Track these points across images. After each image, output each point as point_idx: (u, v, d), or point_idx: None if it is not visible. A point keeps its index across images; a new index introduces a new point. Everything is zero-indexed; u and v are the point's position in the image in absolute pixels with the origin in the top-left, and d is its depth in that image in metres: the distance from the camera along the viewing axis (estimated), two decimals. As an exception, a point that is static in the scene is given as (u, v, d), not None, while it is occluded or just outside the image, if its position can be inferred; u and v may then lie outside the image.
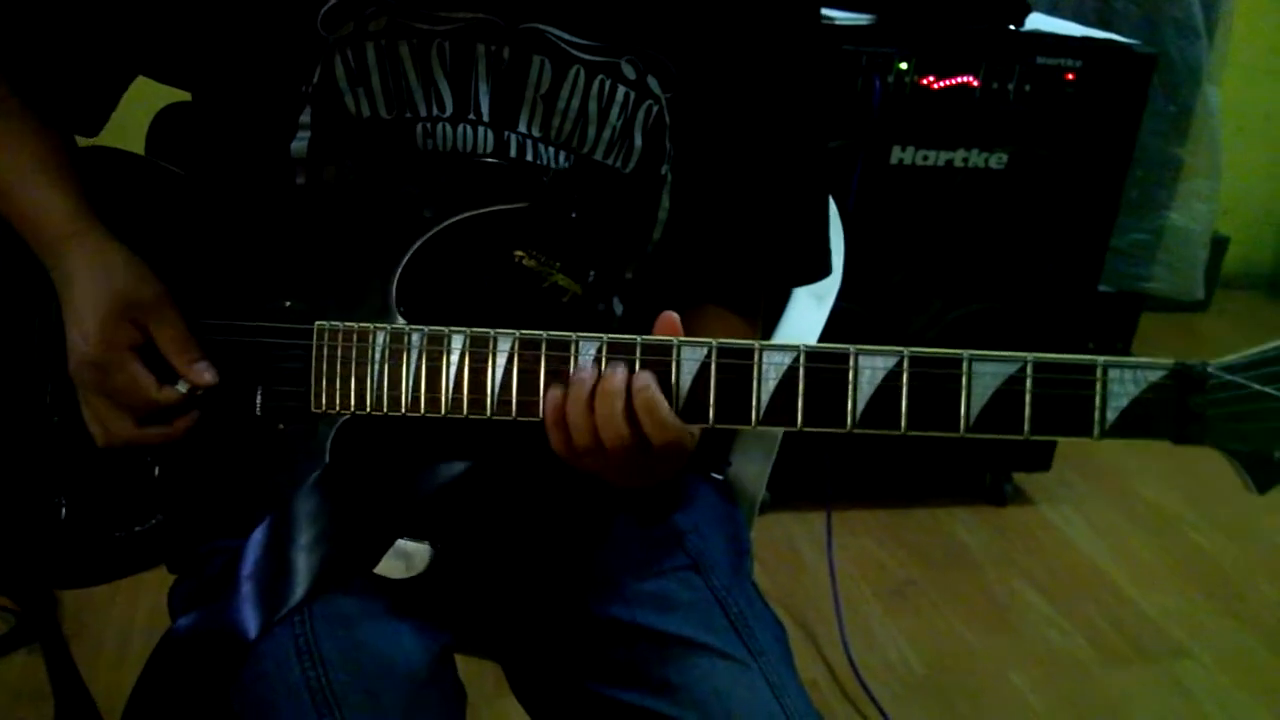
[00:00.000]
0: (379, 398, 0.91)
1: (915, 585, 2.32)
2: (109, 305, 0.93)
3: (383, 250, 0.93)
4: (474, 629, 1.03)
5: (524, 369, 0.87)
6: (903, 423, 0.83)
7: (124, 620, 1.96)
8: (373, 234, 0.95)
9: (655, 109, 1.00)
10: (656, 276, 1.07)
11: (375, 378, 0.91)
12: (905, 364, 0.83)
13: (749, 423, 0.85)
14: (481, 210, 0.92)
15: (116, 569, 1.01)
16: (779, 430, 1.21)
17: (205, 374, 0.94)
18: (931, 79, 2.13)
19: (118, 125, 1.11)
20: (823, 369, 0.84)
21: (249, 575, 0.90)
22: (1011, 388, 0.82)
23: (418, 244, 0.92)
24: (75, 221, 0.97)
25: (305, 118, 0.97)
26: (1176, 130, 3.00)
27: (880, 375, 0.83)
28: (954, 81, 2.14)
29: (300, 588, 0.89)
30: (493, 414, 0.88)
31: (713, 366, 0.85)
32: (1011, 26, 2.19)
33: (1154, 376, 0.81)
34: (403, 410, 0.90)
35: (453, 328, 0.89)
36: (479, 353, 0.88)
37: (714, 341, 0.85)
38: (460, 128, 0.97)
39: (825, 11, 2.10)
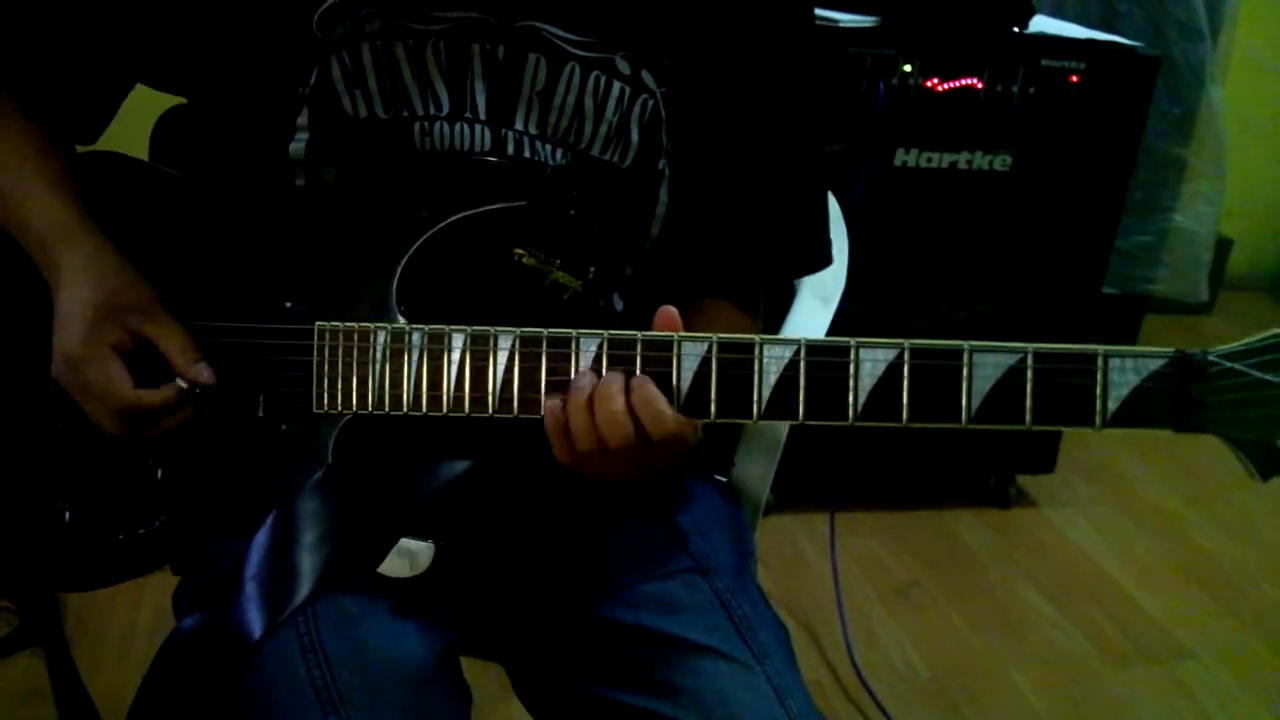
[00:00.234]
0: (380, 397, 0.91)
1: (919, 587, 2.32)
2: (95, 306, 0.93)
3: (382, 250, 0.93)
4: (478, 631, 1.03)
5: (525, 367, 0.87)
6: (904, 415, 0.83)
7: (126, 621, 1.96)
8: (372, 234, 0.96)
9: (651, 104, 1.01)
10: (656, 272, 1.07)
11: (376, 377, 0.91)
12: (906, 356, 0.83)
13: (751, 417, 0.85)
14: (480, 209, 0.93)
15: (121, 572, 1.01)
16: (783, 432, 1.21)
17: (204, 373, 0.94)
18: (936, 81, 2.14)
19: (120, 129, 1.11)
20: (824, 362, 0.84)
21: (253, 576, 0.90)
22: (1012, 379, 0.82)
23: (417, 243, 0.92)
24: (69, 226, 0.98)
25: (303, 120, 0.97)
26: (1180, 132, 3.00)
27: (881, 368, 0.83)
28: (958, 84, 2.14)
29: (304, 587, 0.90)
30: (494, 412, 0.88)
31: (713, 361, 0.85)
32: (1015, 29, 2.19)
33: (1155, 365, 0.81)
34: (404, 409, 0.90)
35: (453, 326, 0.89)
36: (480, 351, 0.88)
37: (714, 336, 0.85)
38: (457, 126, 0.98)
39: (829, 14, 2.10)
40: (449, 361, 0.89)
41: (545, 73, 0.98)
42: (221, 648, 0.89)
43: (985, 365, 0.82)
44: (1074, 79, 2.18)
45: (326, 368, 0.92)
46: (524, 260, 0.94)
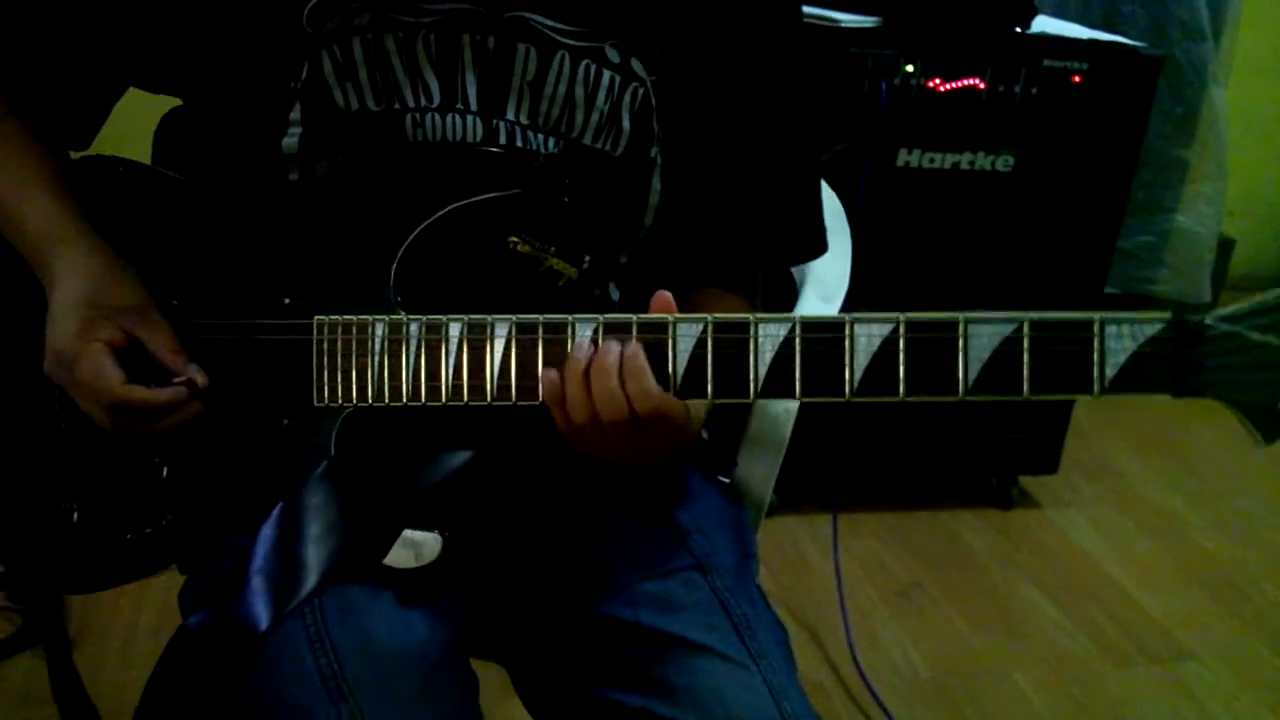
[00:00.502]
0: (380, 389, 0.91)
1: (921, 588, 2.32)
2: (88, 304, 0.94)
3: (378, 242, 0.93)
4: (479, 630, 1.03)
5: (522, 353, 0.88)
6: (901, 388, 0.83)
7: (130, 621, 1.96)
8: (367, 227, 0.96)
9: (641, 92, 1.01)
10: (651, 261, 1.07)
11: (376, 369, 0.91)
12: (901, 329, 0.82)
13: (748, 395, 0.85)
14: (474, 199, 0.93)
15: (129, 572, 1.01)
16: (786, 433, 1.21)
17: (196, 376, 0.94)
18: (938, 82, 2.14)
19: (122, 132, 1.12)
20: (819, 338, 0.83)
21: (259, 569, 0.91)
22: (1009, 348, 0.81)
23: (412, 235, 0.92)
24: (64, 227, 0.98)
25: (295, 114, 0.97)
26: (1183, 132, 3.01)
27: (877, 342, 0.82)
28: (960, 84, 2.14)
29: (310, 580, 0.90)
30: (493, 399, 0.89)
31: (709, 341, 0.85)
32: (1018, 29, 2.19)
33: (1152, 330, 0.80)
34: (404, 400, 0.91)
35: (450, 316, 0.89)
36: (477, 339, 0.88)
37: (709, 316, 0.85)
38: (449, 117, 0.98)
39: (831, 14, 2.10)
40: (447, 351, 0.89)
41: (535, 62, 0.98)
42: (229, 641, 0.89)
43: (981, 336, 0.81)
44: (1076, 79, 2.18)
45: (326, 361, 0.93)
46: (518, 248, 0.95)
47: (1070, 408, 2.54)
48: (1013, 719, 1.98)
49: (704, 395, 0.85)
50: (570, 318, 0.87)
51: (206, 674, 0.91)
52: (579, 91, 0.99)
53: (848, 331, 0.83)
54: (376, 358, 0.91)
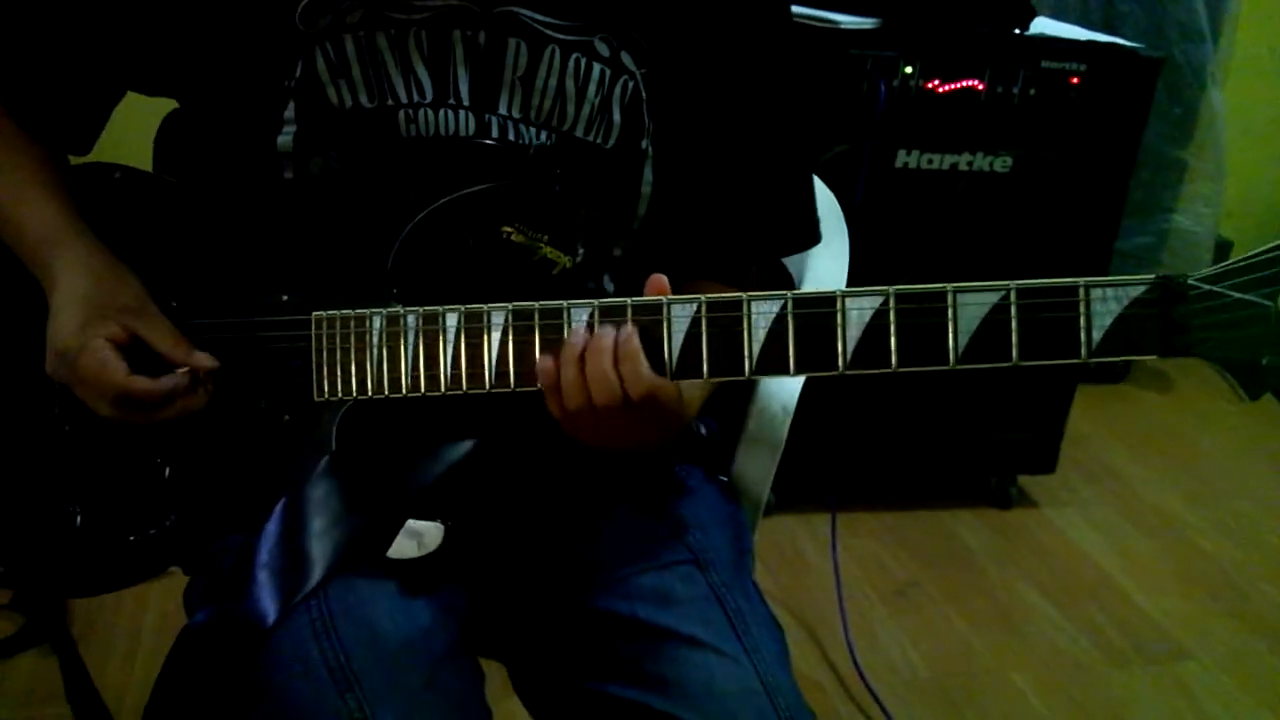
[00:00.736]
0: (379, 381, 0.92)
1: (919, 587, 2.32)
2: (88, 302, 0.95)
3: (374, 237, 0.94)
4: (479, 623, 1.04)
5: (519, 340, 0.89)
6: (893, 360, 0.84)
7: (134, 620, 1.96)
8: (363, 222, 0.97)
9: (631, 84, 1.02)
10: (645, 253, 1.08)
11: (375, 362, 0.92)
12: (891, 302, 0.83)
13: (742, 373, 0.86)
14: (467, 190, 0.94)
15: (133, 574, 1.02)
16: (783, 432, 1.22)
17: (205, 360, 0.95)
18: (937, 83, 2.14)
19: (124, 136, 1.12)
20: (811, 314, 0.84)
21: (264, 565, 0.91)
22: (997, 316, 0.82)
23: (407, 229, 0.93)
24: (62, 230, 0.99)
25: (289, 113, 0.98)
26: (1181, 133, 3.01)
27: (868, 315, 0.84)
28: (959, 85, 2.15)
29: (315, 573, 0.91)
30: (491, 387, 0.90)
31: (703, 320, 0.86)
32: (1016, 30, 2.20)
33: (1136, 292, 0.81)
34: (403, 391, 0.92)
35: (447, 306, 0.90)
36: (474, 328, 0.90)
37: (702, 297, 0.86)
38: (441, 112, 0.99)
39: (830, 16, 2.10)
40: (444, 341, 0.90)
41: (526, 57, 0.99)
42: (237, 637, 0.90)
43: (969, 305, 0.83)
44: (1075, 80, 2.19)
45: (325, 356, 0.94)
46: (512, 238, 0.96)
47: (1068, 407, 2.54)
48: (1010, 717, 1.99)
49: (700, 375, 0.86)
50: (565, 304, 0.88)
51: (215, 670, 0.91)
52: (570, 85, 1.00)
53: (839, 306, 0.84)
54: (375, 350, 0.92)
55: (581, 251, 1.02)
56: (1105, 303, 0.82)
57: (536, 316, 0.88)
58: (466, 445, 0.96)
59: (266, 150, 0.98)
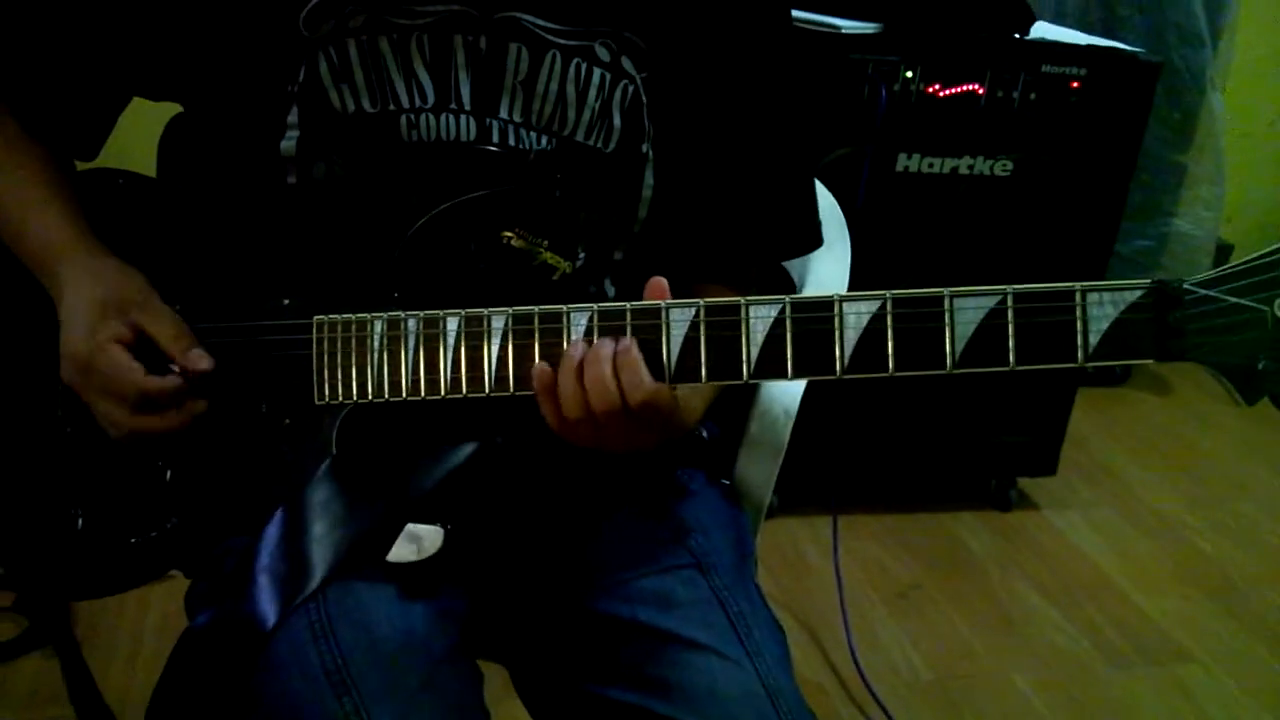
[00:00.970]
0: (380, 384, 0.92)
1: (920, 589, 2.33)
2: (97, 307, 0.95)
3: (375, 241, 0.95)
4: (480, 626, 1.05)
5: (519, 344, 0.89)
6: (890, 364, 0.84)
7: (136, 622, 1.97)
8: (365, 226, 0.98)
9: (631, 89, 1.02)
10: (646, 257, 1.08)
11: (375, 365, 0.92)
12: (889, 306, 0.84)
13: (740, 377, 0.86)
14: (468, 196, 0.95)
15: (134, 577, 1.02)
16: (785, 435, 1.22)
17: (201, 361, 0.95)
18: (937, 87, 2.15)
19: (124, 142, 1.13)
20: (809, 318, 0.85)
21: (264, 569, 0.91)
22: (993, 321, 0.83)
23: (409, 233, 0.94)
24: (69, 238, 0.99)
25: (293, 117, 0.98)
26: (1181, 137, 3.01)
27: (865, 319, 0.84)
28: (959, 89, 2.15)
29: (315, 576, 0.91)
30: (491, 391, 0.90)
31: (701, 325, 0.86)
32: (1017, 35, 2.21)
33: (1132, 297, 0.81)
34: (404, 394, 0.92)
35: (447, 310, 0.91)
36: (474, 332, 0.90)
37: (701, 301, 0.86)
38: (443, 117, 0.99)
39: (831, 20, 2.11)
40: (445, 345, 0.90)
41: (527, 62, 1.00)
42: (237, 640, 0.90)
43: (966, 309, 0.83)
44: (1075, 85, 2.19)
45: (326, 360, 0.94)
46: (512, 243, 0.96)
47: (1069, 409, 2.55)
48: (1011, 719, 1.99)
49: (698, 379, 0.87)
50: (565, 308, 0.88)
51: (215, 673, 0.91)
52: (570, 90, 1.01)
53: (836, 310, 0.84)
54: (376, 354, 0.92)
55: (582, 256, 1.02)
56: (1102, 307, 0.82)
57: (536, 320, 0.89)
58: (467, 449, 0.96)
59: (270, 155, 0.99)
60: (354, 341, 0.93)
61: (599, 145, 1.02)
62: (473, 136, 1.00)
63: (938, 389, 2.36)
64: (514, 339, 0.89)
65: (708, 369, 0.86)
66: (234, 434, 0.98)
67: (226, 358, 0.97)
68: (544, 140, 1.01)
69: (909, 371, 0.84)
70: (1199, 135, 3.00)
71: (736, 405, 1.22)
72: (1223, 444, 3.07)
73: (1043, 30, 2.30)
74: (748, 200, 1.10)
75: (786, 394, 1.22)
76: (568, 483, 1.06)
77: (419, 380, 0.91)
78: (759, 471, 1.23)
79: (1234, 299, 0.80)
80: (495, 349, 0.89)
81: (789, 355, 0.85)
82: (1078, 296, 0.82)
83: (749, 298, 0.86)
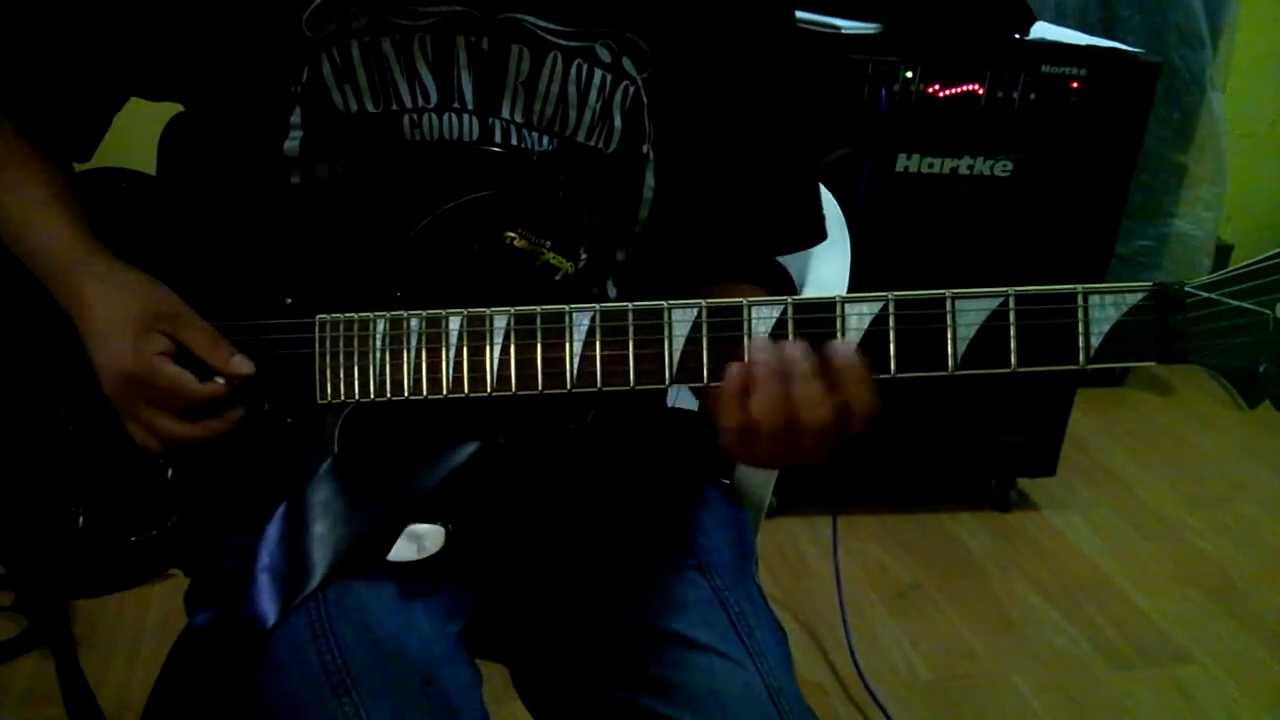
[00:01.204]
0: (382, 383, 0.93)
1: (920, 590, 2.33)
2: (137, 322, 0.95)
3: (378, 241, 0.95)
4: (481, 626, 1.05)
5: (520, 344, 0.89)
6: (892, 365, 0.84)
7: (135, 622, 1.97)
8: (368, 226, 0.98)
9: (632, 89, 1.02)
10: (648, 258, 1.09)
11: (378, 365, 0.93)
12: (891, 308, 0.84)
13: None
14: (470, 196, 0.95)
15: (134, 575, 1.02)
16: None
17: (244, 366, 0.96)
18: (937, 87, 2.15)
19: (123, 142, 1.13)
20: (811, 319, 0.85)
21: (264, 568, 0.92)
22: (995, 323, 0.83)
23: (412, 233, 0.94)
24: (81, 250, 0.99)
25: (296, 118, 0.98)
26: (1181, 137, 3.01)
27: (867, 321, 0.84)
28: (959, 90, 2.16)
29: (315, 576, 0.91)
30: (493, 391, 0.90)
31: (704, 325, 0.86)
32: (1016, 35, 2.21)
33: (1134, 299, 0.82)
34: (405, 394, 0.92)
35: (450, 310, 0.91)
36: (476, 332, 0.90)
37: (703, 302, 0.87)
38: (446, 117, 0.99)
39: (831, 21, 2.11)
40: (447, 344, 0.91)
41: (529, 63, 1.00)
42: (237, 639, 0.90)
43: (968, 311, 0.83)
44: (1075, 85, 2.20)
45: (328, 359, 0.94)
46: (515, 243, 0.96)
47: (1069, 410, 2.55)
48: (1011, 720, 2.00)
49: (700, 380, 0.87)
50: (568, 308, 0.89)
51: (215, 672, 0.92)
52: (571, 90, 1.01)
53: (839, 311, 0.85)
54: (378, 353, 0.93)
55: (584, 256, 1.02)
56: (1103, 309, 0.82)
57: (539, 321, 0.89)
58: (469, 448, 0.96)
59: (273, 155, 0.99)
60: (356, 341, 0.93)
61: (600, 146, 1.03)
62: (475, 136, 1.00)
63: (937, 389, 2.35)
64: (516, 339, 0.89)
65: (709, 369, 0.87)
66: (236, 433, 0.98)
67: None
68: (545, 140, 1.01)
69: (911, 373, 0.84)
70: (1199, 135, 3.01)
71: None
72: (1223, 445, 3.07)
73: (1042, 30, 2.30)
74: (751, 194, 1.10)
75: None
76: (569, 483, 1.06)
77: (421, 380, 0.92)
78: (759, 471, 1.23)
79: (1236, 302, 0.81)
80: (498, 349, 0.90)
81: None
82: (1080, 298, 0.82)
83: (751, 299, 0.86)
